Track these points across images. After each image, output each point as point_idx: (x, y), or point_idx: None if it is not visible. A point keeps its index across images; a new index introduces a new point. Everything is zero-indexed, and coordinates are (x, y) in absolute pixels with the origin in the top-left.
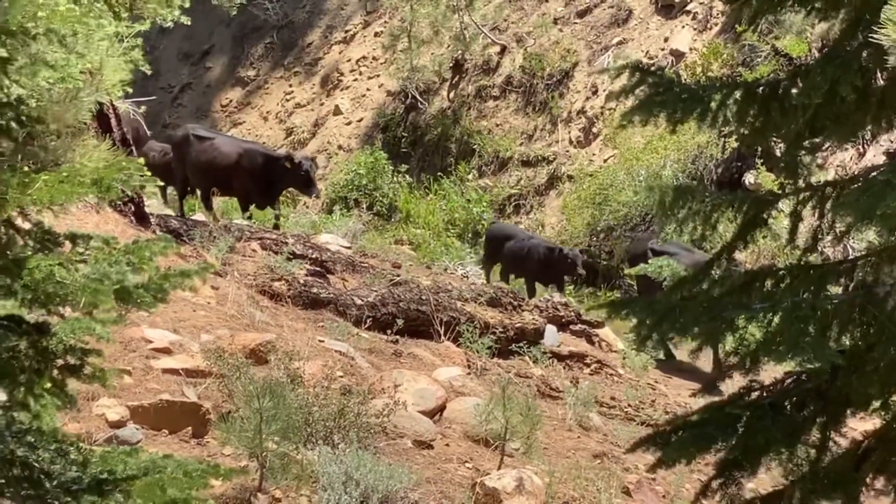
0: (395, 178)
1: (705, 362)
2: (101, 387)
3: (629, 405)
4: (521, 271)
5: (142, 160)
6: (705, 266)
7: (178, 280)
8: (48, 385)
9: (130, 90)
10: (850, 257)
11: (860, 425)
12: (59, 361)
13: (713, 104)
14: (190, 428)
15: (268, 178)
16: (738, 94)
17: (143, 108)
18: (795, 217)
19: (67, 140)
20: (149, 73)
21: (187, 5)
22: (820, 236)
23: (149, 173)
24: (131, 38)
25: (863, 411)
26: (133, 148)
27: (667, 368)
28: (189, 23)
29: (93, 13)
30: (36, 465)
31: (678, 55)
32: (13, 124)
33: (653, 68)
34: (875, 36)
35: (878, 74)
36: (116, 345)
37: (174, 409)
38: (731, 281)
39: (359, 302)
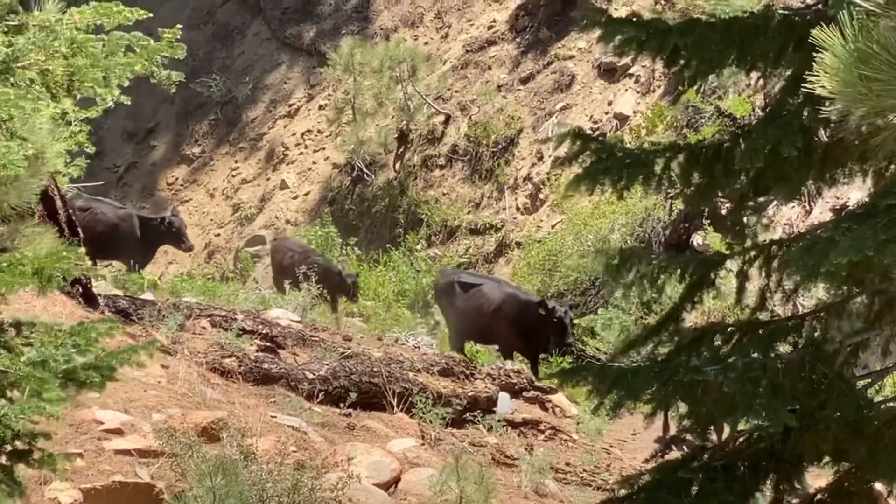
0: (343, 251)
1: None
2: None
3: (585, 470)
4: None
5: (82, 249)
6: (654, 328)
7: (124, 357)
8: None
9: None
10: (799, 314)
11: (813, 481)
12: (8, 447)
13: (657, 168)
14: None
15: (528, 325)
16: (681, 158)
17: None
18: (742, 277)
19: (13, 226)
20: (93, 152)
21: (126, 84)
22: (768, 295)
23: (89, 262)
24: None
25: (815, 467)
26: (80, 231)
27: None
28: (130, 102)
29: (30, 95)
30: None
31: (622, 119)
32: None
33: (595, 134)
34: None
35: (821, 132)
36: (67, 427)
37: (127, 491)
38: (679, 338)
39: (310, 376)
